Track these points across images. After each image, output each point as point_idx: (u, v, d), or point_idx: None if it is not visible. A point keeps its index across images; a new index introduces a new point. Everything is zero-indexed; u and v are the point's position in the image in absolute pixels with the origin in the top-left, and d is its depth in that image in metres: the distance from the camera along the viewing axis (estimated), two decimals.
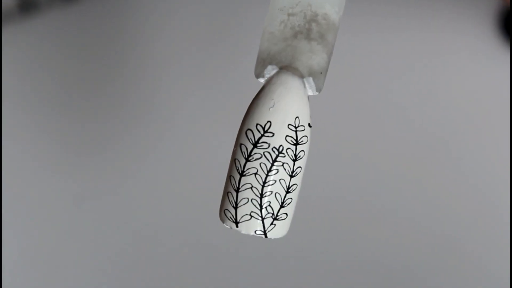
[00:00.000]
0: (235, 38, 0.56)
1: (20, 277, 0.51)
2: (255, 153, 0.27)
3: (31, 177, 0.53)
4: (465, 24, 0.55)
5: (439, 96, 0.54)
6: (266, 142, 0.27)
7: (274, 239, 0.28)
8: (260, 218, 0.27)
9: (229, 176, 0.28)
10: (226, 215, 0.28)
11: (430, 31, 0.55)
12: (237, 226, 0.28)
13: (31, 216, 0.52)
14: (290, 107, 0.27)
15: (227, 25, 0.56)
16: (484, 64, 0.54)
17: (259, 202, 0.27)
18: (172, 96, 0.55)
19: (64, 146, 0.54)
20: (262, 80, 0.28)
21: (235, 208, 0.27)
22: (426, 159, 0.52)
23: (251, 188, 0.27)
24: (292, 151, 0.27)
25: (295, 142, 0.27)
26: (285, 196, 0.27)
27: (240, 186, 0.27)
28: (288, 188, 0.27)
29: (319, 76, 0.28)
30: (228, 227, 0.28)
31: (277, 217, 0.27)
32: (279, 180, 0.27)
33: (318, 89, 0.28)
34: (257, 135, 0.27)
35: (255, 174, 0.27)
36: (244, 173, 0.27)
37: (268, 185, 0.27)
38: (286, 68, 0.28)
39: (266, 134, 0.27)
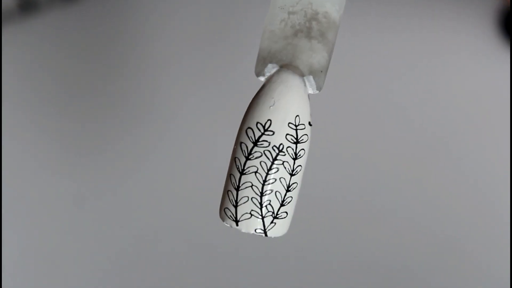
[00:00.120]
0: (235, 38, 0.56)
1: (20, 277, 0.51)
2: (255, 152, 0.27)
3: (31, 177, 0.53)
4: (465, 24, 0.55)
5: (439, 96, 0.54)
6: (266, 141, 0.27)
7: (274, 237, 0.28)
8: (260, 217, 0.27)
9: (229, 175, 0.28)
10: (226, 214, 0.28)
11: (430, 31, 0.55)
12: (237, 225, 0.28)
13: (31, 216, 0.52)
14: (290, 106, 0.27)
15: (227, 25, 0.56)
16: (484, 64, 0.54)
17: (259, 201, 0.27)
18: (172, 96, 0.55)
19: (64, 146, 0.54)
20: (262, 79, 0.28)
21: (235, 206, 0.27)
22: (426, 159, 0.52)
23: (251, 186, 0.27)
24: (293, 149, 0.27)
25: (295, 140, 0.27)
26: (285, 195, 0.27)
27: (240, 185, 0.27)
28: (288, 186, 0.27)
29: (319, 74, 0.28)
30: (228, 225, 0.28)
31: (277, 216, 0.27)
32: (279, 178, 0.27)
33: (319, 88, 0.28)
34: (258, 134, 0.27)
35: (255, 172, 0.27)
36: (244, 172, 0.27)
37: (268, 184, 0.27)
38: (286, 66, 0.28)
39: (266, 133, 0.27)
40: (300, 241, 0.50)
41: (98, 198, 0.52)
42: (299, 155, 0.27)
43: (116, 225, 0.52)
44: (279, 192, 0.27)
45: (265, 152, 0.27)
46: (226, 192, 0.28)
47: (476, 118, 0.53)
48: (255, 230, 0.27)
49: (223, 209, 0.28)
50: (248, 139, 0.27)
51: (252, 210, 0.27)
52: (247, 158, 0.27)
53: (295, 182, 0.27)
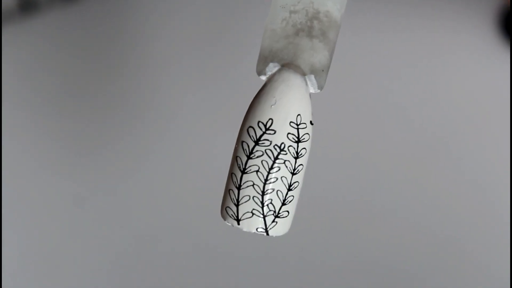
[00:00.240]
0: (235, 37, 0.56)
1: (20, 277, 0.51)
2: (256, 151, 0.27)
3: (31, 177, 0.53)
4: (465, 24, 0.55)
5: (439, 96, 0.54)
6: (267, 140, 0.27)
7: (276, 237, 0.28)
8: (261, 216, 0.27)
9: (231, 174, 0.28)
10: (227, 213, 0.28)
11: (430, 31, 0.55)
12: (238, 224, 0.27)
13: (31, 216, 0.52)
14: (291, 105, 0.27)
15: (227, 24, 0.56)
16: (484, 64, 0.54)
17: (261, 200, 0.27)
18: (172, 96, 0.55)
19: (64, 146, 0.54)
20: (263, 78, 0.28)
21: (237, 205, 0.27)
22: (426, 159, 0.52)
23: (252, 185, 0.27)
24: (294, 148, 0.27)
25: (296, 139, 0.27)
26: (286, 194, 0.27)
27: (241, 184, 0.27)
28: (290, 185, 0.27)
29: (320, 73, 0.28)
30: (229, 224, 0.28)
31: (279, 215, 0.27)
32: (281, 177, 0.27)
33: (320, 87, 0.28)
34: (259, 133, 0.27)
35: (257, 171, 0.27)
36: (245, 171, 0.27)
37: (270, 183, 0.27)
38: (287, 65, 0.28)
39: (267, 132, 0.27)
40: (301, 241, 0.50)
41: (98, 198, 0.52)
42: (301, 154, 0.27)
43: (116, 225, 0.52)
44: (281, 191, 0.27)
45: (267, 151, 0.27)
46: (227, 191, 0.28)
47: (476, 118, 0.53)
48: (257, 229, 0.27)
49: (224, 208, 0.28)
50: (249, 138, 0.27)
51: (253, 209, 0.27)
52: (249, 157, 0.27)
53: (297, 181, 0.27)
